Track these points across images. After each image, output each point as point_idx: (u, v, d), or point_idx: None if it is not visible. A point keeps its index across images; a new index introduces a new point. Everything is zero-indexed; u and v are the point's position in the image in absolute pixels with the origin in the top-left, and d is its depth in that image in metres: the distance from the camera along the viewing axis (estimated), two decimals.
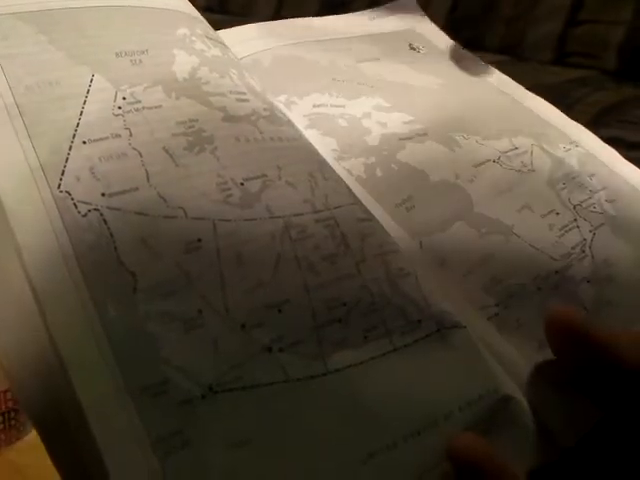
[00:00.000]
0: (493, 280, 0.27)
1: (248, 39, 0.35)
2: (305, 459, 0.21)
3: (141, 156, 0.23)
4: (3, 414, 0.54)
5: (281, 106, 0.29)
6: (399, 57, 0.37)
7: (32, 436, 0.57)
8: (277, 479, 0.20)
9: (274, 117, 0.27)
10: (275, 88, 0.31)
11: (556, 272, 0.28)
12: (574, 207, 0.31)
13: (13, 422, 0.54)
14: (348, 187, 0.26)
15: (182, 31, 0.28)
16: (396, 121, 0.31)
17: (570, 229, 0.30)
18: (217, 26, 0.32)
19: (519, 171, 0.31)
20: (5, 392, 0.53)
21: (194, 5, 0.32)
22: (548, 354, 0.25)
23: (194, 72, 0.26)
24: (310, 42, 0.36)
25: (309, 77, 0.33)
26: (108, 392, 0.19)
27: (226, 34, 0.35)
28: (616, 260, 0.30)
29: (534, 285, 0.27)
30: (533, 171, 0.31)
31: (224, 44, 0.30)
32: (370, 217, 0.26)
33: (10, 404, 0.53)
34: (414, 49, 0.38)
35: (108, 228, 0.21)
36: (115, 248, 0.21)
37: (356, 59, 0.35)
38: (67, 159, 0.22)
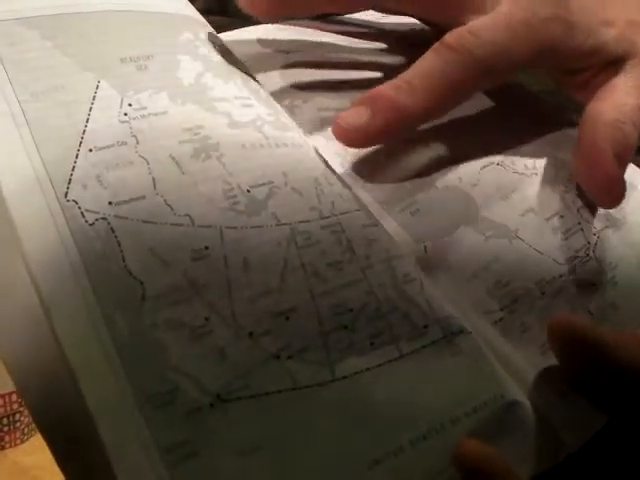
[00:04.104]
0: (497, 284, 0.27)
1: (251, 41, 0.35)
2: (313, 466, 0.21)
3: (148, 164, 0.23)
4: (8, 416, 0.54)
5: (285, 110, 0.29)
6: (402, 55, 0.37)
7: (37, 438, 0.57)
8: None
9: (279, 122, 0.27)
10: (279, 91, 0.31)
11: (560, 276, 0.28)
12: (578, 210, 0.31)
13: (18, 424, 0.55)
14: (353, 193, 0.27)
15: (186, 36, 0.28)
16: None
17: (574, 232, 0.30)
18: (216, 28, 0.32)
19: (523, 174, 0.31)
20: (10, 394, 0.53)
21: (194, 6, 0.32)
22: (552, 358, 0.25)
23: (199, 77, 0.26)
24: (313, 45, 0.36)
25: (313, 80, 0.33)
26: (117, 401, 0.19)
27: (229, 36, 0.35)
28: (620, 263, 0.30)
29: (538, 289, 0.27)
30: (536, 174, 0.31)
31: (228, 48, 0.30)
32: (375, 222, 0.26)
33: (15, 406, 0.54)
34: (413, 47, 0.38)
35: (115, 237, 0.21)
36: (123, 257, 0.21)
37: (359, 59, 0.35)
38: (74, 167, 0.22)
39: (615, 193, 0.29)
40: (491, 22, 0.28)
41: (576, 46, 0.29)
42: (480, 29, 0.28)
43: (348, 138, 0.27)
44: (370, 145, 0.28)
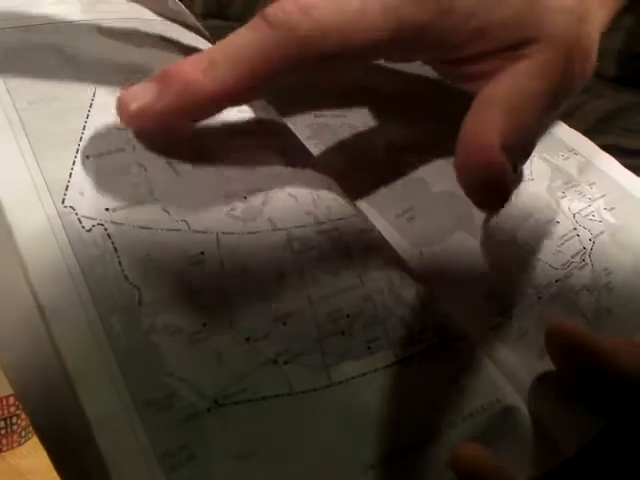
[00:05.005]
0: (494, 289, 0.27)
1: None
2: (308, 470, 0.21)
3: (145, 170, 0.23)
4: (5, 419, 0.54)
5: (283, 116, 0.29)
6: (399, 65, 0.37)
7: (33, 440, 0.57)
8: None
9: (276, 128, 0.27)
10: (276, 98, 0.31)
11: (556, 281, 0.28)
12: (574, 216, 0.31)
13: (15, 427, 0.55)
14: (349, 198, 0.27)
15: (183, 43, 0.28)
16: (397, 131, 0.31)
17: (570, 238, 0.30)
18: (216, 32, 0.32)
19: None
20: (7, 398, 0.54)
21: (192, 11, 0.32)
22: (550, 363, 0.25)
23: None
24: None
25: (310, 86, 0.33)
26: (114, 406, 0.19)
27: None
28: (615, 268, 0.30)
29: (535, 294, 0.28)
30: (532, 180, 0.31)
31: None
32: (372, 228, 0.26)
33: (12, 409, 0.54)
34: None
35: (112, 243, 0.21)
36: (119, 263, 0.21)
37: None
38: (71, 174, 0.22)
39: (498, 194, 0.24)
40: None
41: (454, 30, 0.24)
42: (315, 5, 0.22)
43: (129, 118, 0.23)
44: (153, 127, 0.23)
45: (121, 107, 0.23)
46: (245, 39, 0.23)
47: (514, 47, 0.25)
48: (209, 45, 0.30)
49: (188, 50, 0.28)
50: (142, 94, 0.22)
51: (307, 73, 0.23)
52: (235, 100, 0.23)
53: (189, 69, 0.22)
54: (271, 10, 0.23)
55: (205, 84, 0.22)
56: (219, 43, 0.23)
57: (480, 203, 0.25)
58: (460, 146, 0.24)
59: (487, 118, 0.24)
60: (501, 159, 0.23)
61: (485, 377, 0.24)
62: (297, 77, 0.23)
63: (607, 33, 0.29)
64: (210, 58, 0.22)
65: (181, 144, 0.24)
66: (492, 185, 0.23)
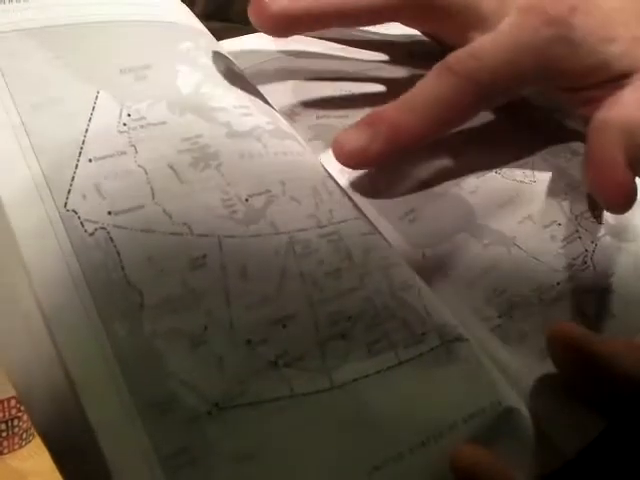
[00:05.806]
0: (495, 291, 0.27)
1: (251, 49, 0.35)
2: (310, 473, 0.21)
3: (146, 173, 0.23)
4: (6, 421, 0.54)
5: (285, 118, 0.29)
6: (401, 64, 0.37)
7: (35, 443, 0.57)
8: None
9: (278, 131, 0.27)
10: (278, 99, 0.31)
11: (558, 283, 0.28)
12: (576, 218, 0.31)
13: (16, 429, 0.55)
14: (352, 200, 0.27)
15: (186, 45, 0.28)
16: None
17: (572, 240, 0.30)
18: (217, 34, 0.32)
19: (521, 182, 0.31)
20: (8, 400, 0.54)
21: (193, 12, 0.32)
22: (551, 364, 0.25)
23: (198, 87, 0.26)
24: (312, 53, 0.36)
25: (312, 87, 0.33)
26: (117, 410, 0.20)
27: (229, 44, 0.35)
28: (618, 271, 0.30)
29: (536, 296, 0.28)
30: (535, 182, 0.31)
31: (228, 56, 0.30)
32: (373, 231, 0.26)
33: (13, 411, 0.54)
34: (412, 57, 0.38)
35: (115, 246, 0.21)
36: (122, 267, 0.21)
37: (358, 68, 0.35)
38: (73, 177, 0.22)
39: (628, 200, 0.28)
40: (493, 44, 0.28)
41: (580, 65, 0.29)
42: (481, 51, 0.28)
43: (348, 160, 0.27)
44: (368, 167, 0.28)
45: (337, 148, 0.27)
46: (435, 86, 0.27)
47: (620, 77, 0.30)
48: (215, 46, 0.29)
49: (192, 52, 0.28)
50: (356, 136, 0.27)
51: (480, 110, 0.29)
52: (432, 138, 0.28)
53: (395, 115, 0.27)
54: (451, 59, 0.28)
55: (410, 128, 0.27)
56: (412, 90, 0.28)
57: (613, 211, 0.30)
58: (591, 165, 0.29)
59: (610, 140, 0.28)
60: (629, 176, 0.28)
61: (486, 379, 0.24)
62: (475, 114, 0.29)
63: None
64: (410, 105, 0.27)
65: (183, 147, 0.24)
66: (627, 197, 0.28)
